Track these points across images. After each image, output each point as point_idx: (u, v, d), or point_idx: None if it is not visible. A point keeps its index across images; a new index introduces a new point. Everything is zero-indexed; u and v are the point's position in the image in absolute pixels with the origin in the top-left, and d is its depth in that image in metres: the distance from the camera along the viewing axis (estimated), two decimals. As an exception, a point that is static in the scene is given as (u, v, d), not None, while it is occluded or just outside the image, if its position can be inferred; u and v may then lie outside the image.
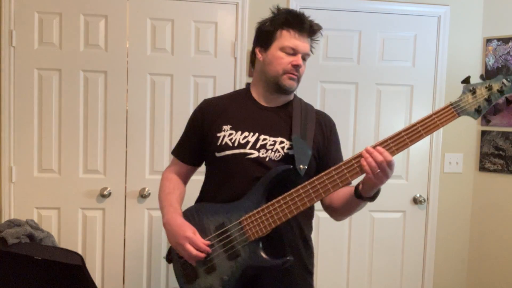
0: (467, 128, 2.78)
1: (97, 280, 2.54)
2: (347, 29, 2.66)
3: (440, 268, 2.81)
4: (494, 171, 2.72)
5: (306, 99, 1.61)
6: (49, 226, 2.49)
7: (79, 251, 2.49)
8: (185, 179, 1.66)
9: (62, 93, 2.49)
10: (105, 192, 2.50)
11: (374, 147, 1.29)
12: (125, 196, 2.54)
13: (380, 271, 2.76)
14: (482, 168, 2.76)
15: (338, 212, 1.51)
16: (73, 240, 2.52)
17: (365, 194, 1.34)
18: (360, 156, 1.30)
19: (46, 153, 2.50)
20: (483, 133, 2.75)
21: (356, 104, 2.69)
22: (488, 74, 2.67)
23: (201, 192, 1.62)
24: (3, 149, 2.45)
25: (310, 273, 1.55)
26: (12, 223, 2.17)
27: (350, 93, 2.69)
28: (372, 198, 1.36)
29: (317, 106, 2.61)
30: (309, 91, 2.62)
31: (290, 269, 1.43)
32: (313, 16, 1.52)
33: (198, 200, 1.61)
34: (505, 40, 2.68)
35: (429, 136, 3.00)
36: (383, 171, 1.26)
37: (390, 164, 1.26)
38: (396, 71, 2.71)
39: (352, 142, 2.67)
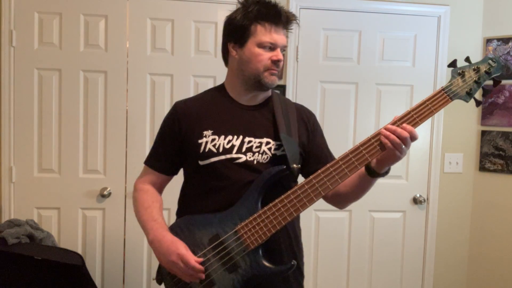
0: (467, 128, 2.78)
1: (97, 280, 2.54)
2: (347, 29, 2.65)
3: (440, 268, 2.81)
4: (494, 171, 2.72)
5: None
6: (49, 226, 2.49)
7: (79, 251, 2.49)
8: (160, 189, 1.54)
9: (62, 93, 2.49)
10: (105, 192, 2.50)
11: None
12: (125, 196, 2.54)
13: (380, 271, 2.76)
14: (482, 168, 2.76)
15: (346, 198, 1.46)
16: (73, 240, 2.52)
17: (379, 171, 1.31)
18: (371, 140, 1.26)
19: (46, 153, 2.49)
20: (483, 133, 2.75)
21: (356, 104, 2.69)
22: (488, 74, 2.67)
23: (181, 203, 1.51)
24: (3, 149, 2.45)
25: (302, 275, 1.52)
26: (12, 223, 2.17)
27: (350, 93, 2.69)
28: (386, 172, 1.34)
29: (317, 106, 2.62)
30: (309, 91, 2.62)
31: (288, 274, 1.37)
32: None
33: (179, 213, 1.50)
34: (505, 40, 2.68)
35: (429, 136, 2.98)
36: (408, 145, 1.24)
37: (414, 137, 1.25)
38: (396, 71, 2.70)
39: (352, 143, 2.66)
